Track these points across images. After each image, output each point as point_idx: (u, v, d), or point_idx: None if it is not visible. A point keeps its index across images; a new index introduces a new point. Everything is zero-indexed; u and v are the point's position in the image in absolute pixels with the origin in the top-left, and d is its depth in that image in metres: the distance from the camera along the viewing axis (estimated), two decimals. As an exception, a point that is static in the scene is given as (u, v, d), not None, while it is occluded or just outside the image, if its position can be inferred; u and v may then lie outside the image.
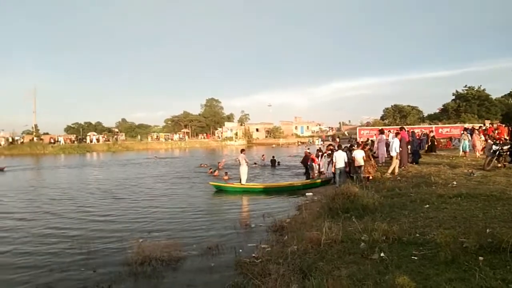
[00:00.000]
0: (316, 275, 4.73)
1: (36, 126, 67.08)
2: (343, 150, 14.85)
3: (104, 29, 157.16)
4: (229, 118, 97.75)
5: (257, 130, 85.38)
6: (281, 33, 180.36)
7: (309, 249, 5.96)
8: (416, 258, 4.87)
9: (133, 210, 12.51)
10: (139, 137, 77.09)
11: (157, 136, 78.83)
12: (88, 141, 66.63)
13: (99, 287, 6.10)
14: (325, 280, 4.37)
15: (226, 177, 20.00)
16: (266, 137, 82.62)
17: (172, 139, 75.63)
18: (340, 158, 13.94)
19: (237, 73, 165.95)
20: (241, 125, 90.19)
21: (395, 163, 13.51)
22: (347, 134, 67.96)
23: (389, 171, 13.38)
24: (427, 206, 7.56)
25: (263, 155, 29.77)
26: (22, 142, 60.50)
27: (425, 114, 76.39)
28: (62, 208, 13.19)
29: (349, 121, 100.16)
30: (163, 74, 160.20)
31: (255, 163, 27.49)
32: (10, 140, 60.99)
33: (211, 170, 23.28)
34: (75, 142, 65.02)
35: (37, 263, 7.39)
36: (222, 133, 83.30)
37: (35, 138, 62.15)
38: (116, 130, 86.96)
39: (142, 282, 6.33)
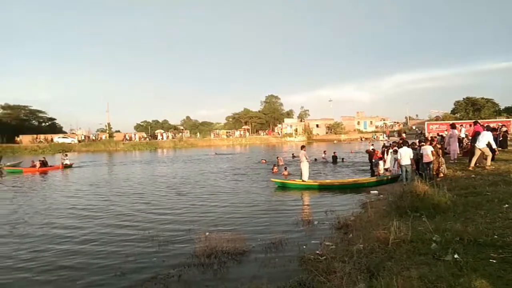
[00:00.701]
0: (385, 275, 4.58)
1: (109, 124, 72.45)
2: (408, 146, 14.17)
3: (176, 32, 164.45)
4: (289, 114, 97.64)
5: (317, 126, 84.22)
6: (342, 27, 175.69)
7: (376, 248, 5.78)
8: (494, 261, 4.50)
9: (198, 205, 13.03)
10: (198, 134, 79.89)
11: (219, 133, 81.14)
12: (158, 138, 70.63)
13: (169, 275, 6.47)
14: (395, 280, 4.21)
15: (285, 173, 20.05)
16: (327, 133, 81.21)
17: (233, 136, 77.38)
18: (406, 155, 13.30)
19: (296, 69, 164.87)
20: (301, 121, 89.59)
21: (489, 154, 12.32)
22: (414, 129, 64.53)
23: (488, 163, 12.28)
24: (506, 206, 6.95)
25: (324, 151, 29.34)
26: (96, 139, 65.73)
27: (502, 107, 70.08)
28: (132, 201, 14.11)
29: (417, 115, 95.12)
30: (225, 74, 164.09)
31: (315, 159, 27.24)
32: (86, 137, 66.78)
33: (275, 167, 23.18)
34: (146, 139, 69.22)
35: (112, 252, 8.00)
36: (281, 129, 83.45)
37: (107, 136, 67.22)
38: (181, 127, 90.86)
39: (209, 273, 6.58)
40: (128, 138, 67.42)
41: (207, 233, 8.43)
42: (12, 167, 28.37)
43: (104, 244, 8.52)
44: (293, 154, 31.79)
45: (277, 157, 27.88)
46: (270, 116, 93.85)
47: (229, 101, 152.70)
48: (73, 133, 73.23)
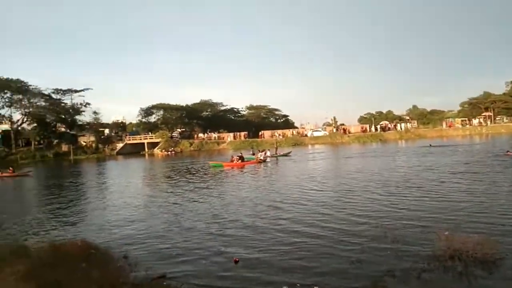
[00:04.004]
0: None
1: (334, 118, 75.76)
2: None
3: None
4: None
5: None
6: None
7: None
8: None
9: (434, 200, 11.93)
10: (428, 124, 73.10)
11: (451, 122, 72.20)
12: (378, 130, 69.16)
13: (407, 272, 6.16)
14: None
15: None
16: None
17: (470, 125, 67.35)
18: None
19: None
20: None
21: None
22: None
23: None
24: None
25: None
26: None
27: None
28: (361, 194, 14.06)
29: None
30: (452, 55, 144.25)
31: None
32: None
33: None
34: (367, 131, 68.95)
35: (347, 243, 8.23)
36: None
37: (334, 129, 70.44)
38: (407, 117, 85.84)
39: (452, 277, 5.96)
40: (348, 132, 68.69)
41: (446, 233, 7.56)
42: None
43: (338, 234, 8.81)
44: None
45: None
46: (521, 98, 76.56)
47: (461, 85, 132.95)
48: (302, 128, 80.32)
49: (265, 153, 34.75)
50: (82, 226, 11.48)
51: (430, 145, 38.32)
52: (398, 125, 71.24)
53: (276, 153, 37.32)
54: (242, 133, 72.97)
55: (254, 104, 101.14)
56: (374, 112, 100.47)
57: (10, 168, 31.85)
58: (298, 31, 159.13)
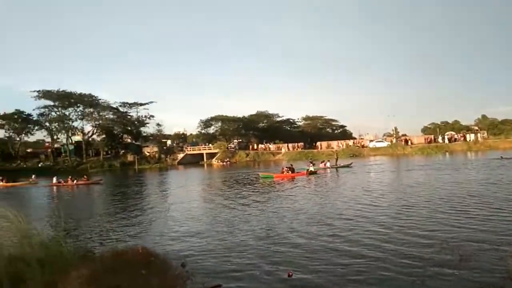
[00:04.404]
0: None
1: (396, 128, 72.63)
2: None
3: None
4: None
5: None
6: None
7: None
8: None
9: (505, 219, 10.84)
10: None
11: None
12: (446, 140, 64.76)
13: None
14: None
15: None
16: None
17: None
18: None
19: None
20: None
21: None
22: None
23: None
24: None
25: None
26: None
27: None
28: (424, 211, 13.19)
29: None
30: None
31: None
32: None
33: None
34: (432, 142, 64.98)
35: (410, 257, 7.77)
36: None
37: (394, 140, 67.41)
38: (475, 127, 79.95)
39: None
40: (410, 142, 64.98)
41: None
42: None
43: (398, 255, 8.25)
44: None
45: None
46: None
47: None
48: (361, 138, 78.01)
49: (324, 164, 34.39)
50: (142, 234, 12.01)
51: (502, 157, 34.88)
52: (468, 135, 66.34)
53: (336, 164, 36.63)
54: (298, 144, 72.58)
55: (311, 115, 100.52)
56: (439, 122, 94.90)
57: (85, 176, 35.02)
58: (360, 39, 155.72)
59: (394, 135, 70.66)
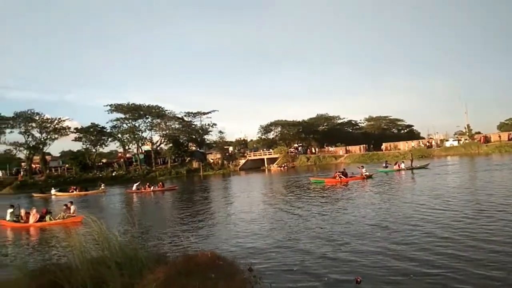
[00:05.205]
0: None
1: (468, 126, 67.41)
2: None
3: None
4: None
5: None
6: None
7: None
8: None
9: None
10: None
11: None
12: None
13: None
14: None
15: None
16: None
17: None
18: None
19: None
20: None
21: None
22: None
23: None
24: None
25: None
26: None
27: None
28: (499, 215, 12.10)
29: None
30: None
31: None
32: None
33: None
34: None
35: (485, 276, 7.18)
36: None
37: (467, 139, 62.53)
38: None
39: None
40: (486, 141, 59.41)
41: None
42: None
43: (469, 264, 7.65)
44: None
45: None
46: None
47: None
48: (430, 138, 73.58)
49: (399, 165, 34.21)
50: (210, 238, 12.39)
51: None
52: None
53: (411, 166, 35.26)
54: (361, 146, 70.30)
55: (374, 116, 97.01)
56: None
57: (160, 183, 37.54)
58: (424, 32, 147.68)
59: (467, 133, 65.63)
